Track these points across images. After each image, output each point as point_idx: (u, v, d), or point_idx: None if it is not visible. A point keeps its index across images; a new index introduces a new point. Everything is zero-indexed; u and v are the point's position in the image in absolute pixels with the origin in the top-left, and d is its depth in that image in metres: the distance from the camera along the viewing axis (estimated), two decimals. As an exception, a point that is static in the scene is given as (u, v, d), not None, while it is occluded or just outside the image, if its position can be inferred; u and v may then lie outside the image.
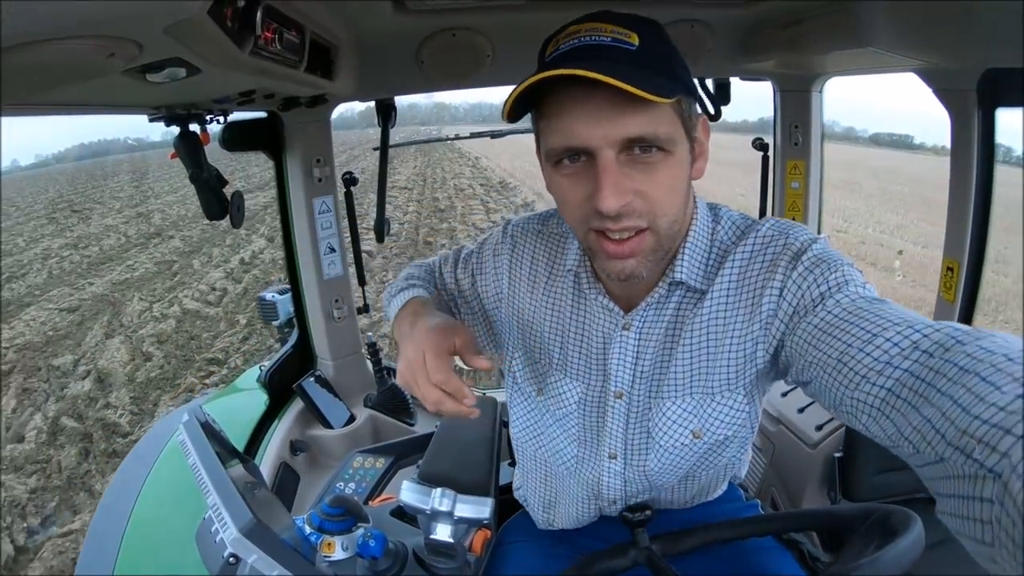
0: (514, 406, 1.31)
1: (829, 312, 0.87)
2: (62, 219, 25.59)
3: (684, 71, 0.94)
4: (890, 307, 0.82)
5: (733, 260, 1.02)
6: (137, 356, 8.77)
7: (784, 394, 2.38)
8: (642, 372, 1.10)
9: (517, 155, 25.87)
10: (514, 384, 1.28)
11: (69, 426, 6.81)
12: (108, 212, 25.59)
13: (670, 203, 0.93)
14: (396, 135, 2.41)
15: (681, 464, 1.15)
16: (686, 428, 1.10)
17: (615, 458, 1.18)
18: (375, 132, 2.43)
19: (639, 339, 1.10)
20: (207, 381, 7.59)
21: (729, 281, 1.02)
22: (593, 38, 0.87)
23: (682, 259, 1.03)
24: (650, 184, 0.89)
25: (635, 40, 0.87)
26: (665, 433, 1.11)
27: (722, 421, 1.09)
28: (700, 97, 0.91)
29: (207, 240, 14.82)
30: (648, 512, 1.14)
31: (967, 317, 2.05)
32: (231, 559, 0.91)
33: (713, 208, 1.10)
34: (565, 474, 1.27)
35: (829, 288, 0.90)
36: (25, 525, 4.98)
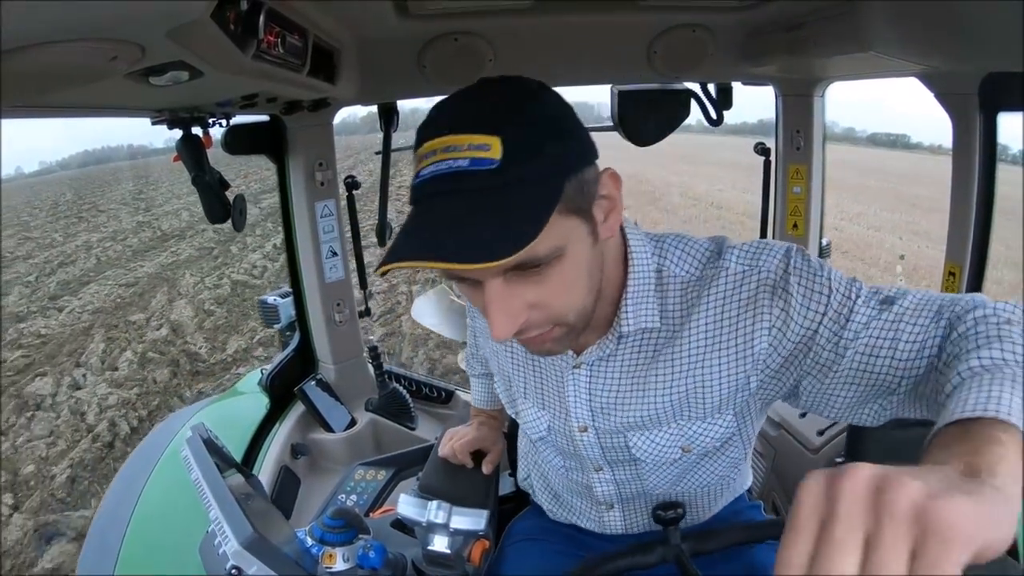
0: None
1: (833, 344, 0.90)
2: (90, 217, 27.11)
3: (568, 142, 0.83)
4: (877, 320, 0.88)
5: (708, 301, 0.99)
6: (200, 313, 10.43)
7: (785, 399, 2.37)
8: (601, 407, 1.10)
9: None
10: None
11: (156, 357, 8.54)
12: (136, 211, 26.84)
13: (570, 300, 0.88)
14: (399, 140, 2.41)
15: (673, 471, 1.17)
16: (675, 446, 1.11)
17: (601, 470, 1.20)
18: (378, 137, 2.43)
19: (590, 377, 1.09)
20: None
21: (707, 323, 0.99)
22: (449, 164, 0.77)
23: (626, 312, 1.01)
24: (544, 294, 0.84)
25: (496, 152, 0.76)
26: (651, 453, 1.12)
27: (711, 437, 1.10)
28: (587, 151, 0.78)
29: (232, 239, 16.24)
30: (680, 510, 1.13)
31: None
32: (233, 571, 0.92)
33: (658, 243, 1.05)
34: (564, 479, 1.30)
35: (820, 313, 0.91)
36: (136, 415, 6.89)
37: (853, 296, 0.91)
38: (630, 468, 1.18)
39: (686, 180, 24.77)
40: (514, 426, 1.83)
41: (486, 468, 1.38)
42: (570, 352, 1.08)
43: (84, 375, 8.20)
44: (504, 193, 0.76)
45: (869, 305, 0.89)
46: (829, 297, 0.91)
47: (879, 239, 15.40)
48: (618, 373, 1.07)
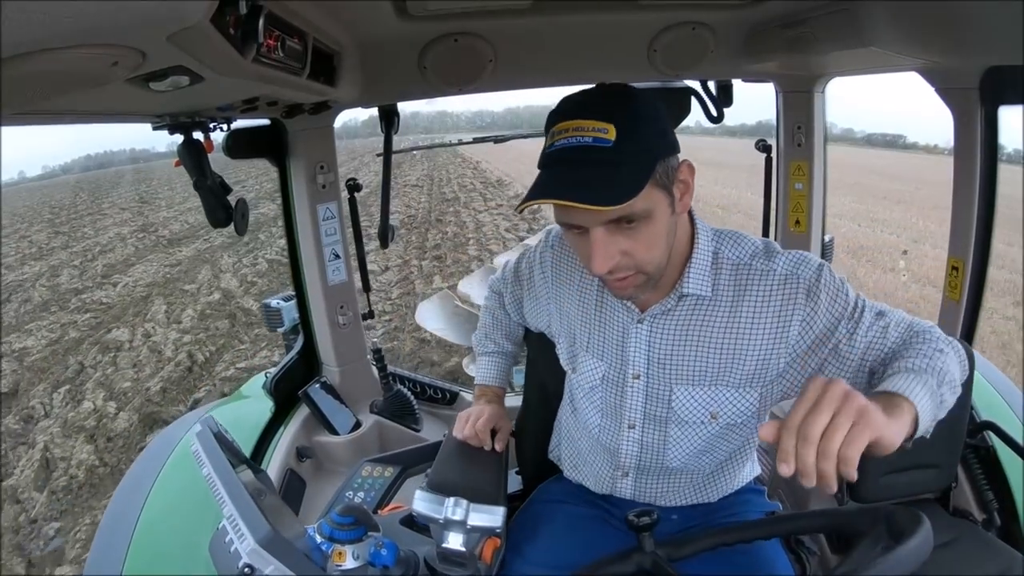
0: (568, 386, 1.59)
1: (849, 336, 1.21)
2: (114, 214, 29.02)
3: (661, 135, 1.13)
4: (875, 326, 1.21)
5: (757, 289, 1.25)
6: (244, 283, 12.32)
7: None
8: (657, 359, 1.32)
9: (514, 159, 28.45)
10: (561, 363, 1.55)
11: (213, 313, 10.50)
12: (158, 208, 28.21)
13: (652, 255, 1.16)
14: (399, 143, 2.42)
15: (697, 437, 1.36)
16: (706, 410, 1.32)
17: (633, 428, 1.40)
18: (378, 140, 2.44)
19: (651, 332, 1.32)
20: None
21: (753, 305, 1.25)
22: (578, 139, 1.07)
23: (688, 276, 1.26)
24: (634, 245, 1.13)
25: (612, 135, 1.06)
26: (687, 410, 1.33)
27: (737, 409, 1.31)
28: (673, 143, 1.17)
29: (265, 223, 17.88)
30: (654, 516, 1.14)
31: (973, 315, 2.05)
32: (246, 569, 0.92)
33: (717, 233, 1.32)
34: (591, 441, 1.49)
35: (838, 319, 1.21)
36: (207, 350, 8.75)
37: (862, 307, 1.22)
38: (659, 430, 1.38)
39: None
40: (520, 425, 1.84)
41: (499, 445, 1.56)
42: (635, 309, 1.33)
43: (153, 327, 10.13)
44: (615, 164, 1.06)
45: (872, 314, 1.22)
46: (847, 305, 1.21)
47: (835, 225, 15.91)
48: (673, 329, 1.31)
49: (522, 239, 12.89)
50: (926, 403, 1.03)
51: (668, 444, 1.38)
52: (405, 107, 2.33)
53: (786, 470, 0.87)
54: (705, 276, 1.27)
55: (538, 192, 1.08)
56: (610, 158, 1.06)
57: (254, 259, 14.30)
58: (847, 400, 0.89)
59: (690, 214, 1.29)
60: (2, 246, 21.67)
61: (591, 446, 1.51)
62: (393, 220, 2.50)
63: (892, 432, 0.93)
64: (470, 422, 1.56)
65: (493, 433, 1.58)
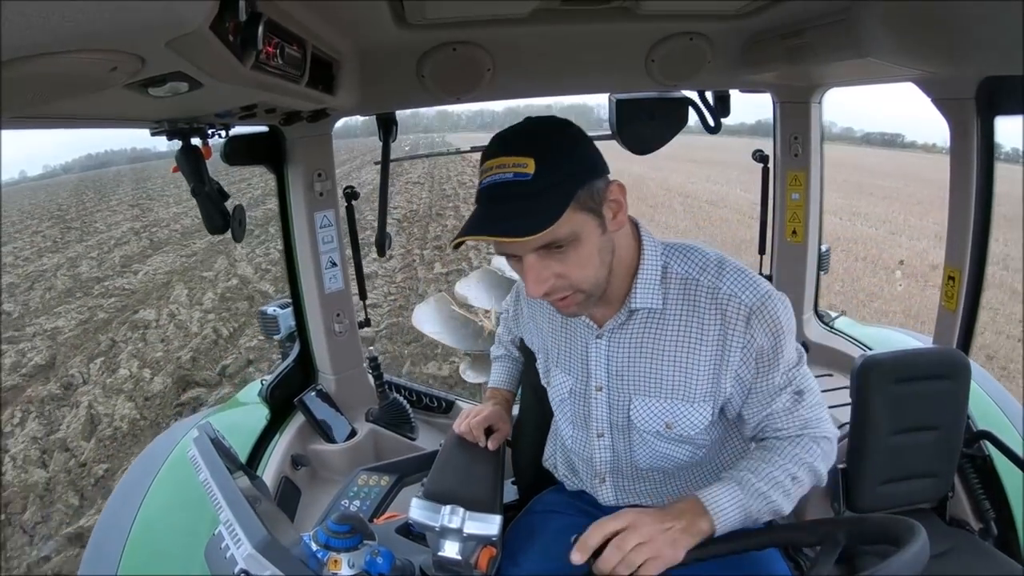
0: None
1: (762, 385, 1.30)
2: (123, 210, 29.31)
3: (580, 162, 1.18)
4: (789, 402, 1.31)
5: (703, 305, 1.29)
6: (259, 270, 13.02)
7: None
8: (616, 371, 1.38)
9: None
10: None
11: (233, 297, 11.15)
12: (167, 204, 28.52)
13: (586, 274, 1.21)
14: (402, 141, 2.42)
15: (658, 445, 1.41)
16: (661, 420, 1.36)
17: (602, 436, 1.46)
18: (376, 142, 2.44)
19: (609, 346, 1.38)
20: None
21: (699, 321, 1.29)
22: (500, 176, 1.14)
23: (635, 291, 1.31)
24: (566, 267, 1.19)
25: (531, 168, 1.12)
26: (643, 420, 1.37)
27: (691, 422, 1.35)
28: (596, 168, 1.22)
29: (274, 217, 18.01)
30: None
31: (969, 325, 2.05)
32: (242, 575, 0.91)
33: (667, 247, 1.36)
34: (570, 449, 1.56)
35: (768, 362, 1.28)
36: (231, 326, 9.45)
37: (789, 372, 1.30)
38: (625, 438, 1.44)
39: (664, 175, 26.06)
40: (515, 435, 1.83)
41: (491, 444, 1.60)
42: (594, 325, 1.38)
43: (177, 308, 10.82)
44: (535, 195, 1.12)
45: (792, 389, 1.30)
46: (777, 350, 1.27)
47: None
48: (628, 343, 1.36)
49: None
50: (732, 517, 1.20)
51: (634, 450, 1.44)
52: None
53: (577, 558, 1.12)
54: (654, 290, 1.31)
55: (467, 229, 1.15)
56: (529, 191, 1.12)
57: (267, 249, 14.82)
58: (647, 539, 1.12)
59: (636, 229, 1.35)
60: (14, 241, 22.40)
61: (572, 456, 1.58)
62: (396, 214, 2.50)
63: (679, 556, 1.14)
64: (468, 418, 1.64)
65: (491, 433, 1.63)
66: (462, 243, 1.17)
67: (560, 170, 1.14)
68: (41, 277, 15.40)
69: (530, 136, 1.19)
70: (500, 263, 8.60)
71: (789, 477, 1.26)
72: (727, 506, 1.20)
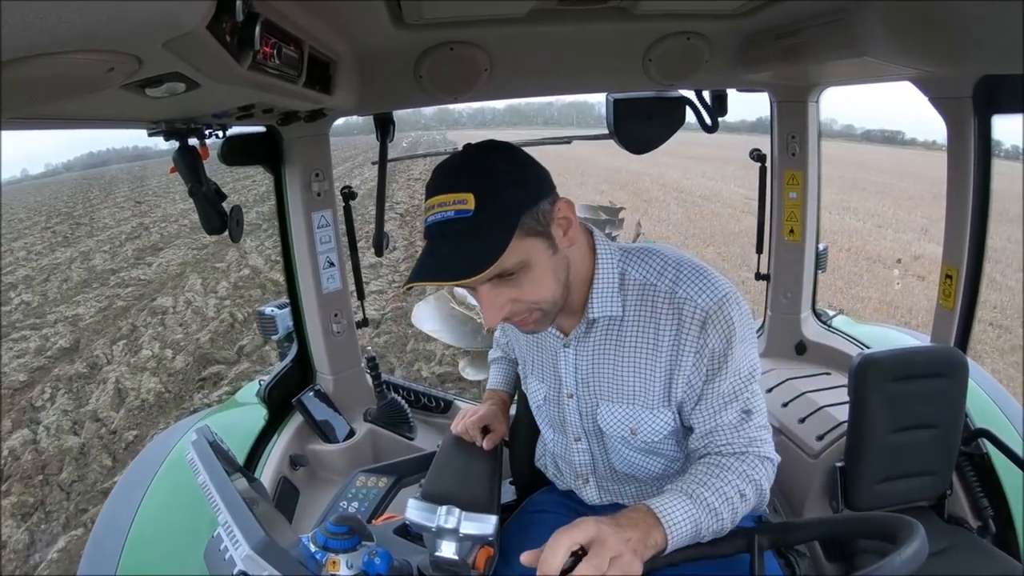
0: None
1: (711, 392, 1.30)
2: (130, 207, 30.20)
3: (520, 188, 1.17)
4: (737, 417, 1.30)
5: (658, 309, 1.30)
6: (269, 261, 13.51)
7: (785, 404, 2.37)
8: (583, 379, 1.42)
9: None
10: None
11: (245, 286, 11.85)
12: (174, 201, 29.13)
13: (541, 295, 1.22)
14: (401, 138, 2.43)
15: (629, 456, 1.44)
16: (626, 426, 1.38)
17: (579, 440, 1.50)
18: (373, 141, 2.43)
19: (576, 355, 1.41)
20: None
21: (655, 325, 1.31)
22: (442, 215, 1.14)
23: (592, 301, 1.33)
24: (519, 292, 1.20)
25: (471, 204, 1.12)
26: (610, 426, 1.40)
27: (653, 428, 1.36)
28: (539, 191, 1.22)
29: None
30: (577, 555, 1.09)
31: (967, 324, 2.06)
32: None
33: (624, 253, 1.37)
34: (553, 452, 1.61)
35: (718, 366, 1.28)
36: (246, 311, 10.00)
37: (738, 384, 1.29)
38: (599, 442, 1.47)
39: (661, 171, 26.71)
40: (512, 435, 1.84)
41: (486, 443, 1.63)
42: (561, 335, 1.41)
43: (193, 296, 11.49)
44: (477, 232, 1.12)
45: (738, 404, 1.29)
46: (726, 356, 1.27)
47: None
48: (592, 351, 1.38)
49: None
50: (684, 531, 1.15)
51: (609, 455, 1.47)
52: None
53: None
54: (611, 298, 1.33)
55: (414, 275, 1.15)
56: (470, 227, 1.12)
57: (275, 242, 15.47)
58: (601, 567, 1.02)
59: (592, 239, 1.36)
60: (25, 237, 23.47)
61: (556, 459, 1.63)
62: (399, 209, 2.50)
63: (636, 569, 1.06)
64: (465, 418, 1.67)
65: (488, 433, 1.66)
66: (412, 288, 1.17)
67: (500, 201, 1.14)
68: (56, 269, 16.20)
69: (469, 170, 1.18)
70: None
71: (738, 493, 1.24)
72: (680, 519, 1.15)
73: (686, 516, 1.16)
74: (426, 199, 1.19)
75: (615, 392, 1.37)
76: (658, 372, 1.31)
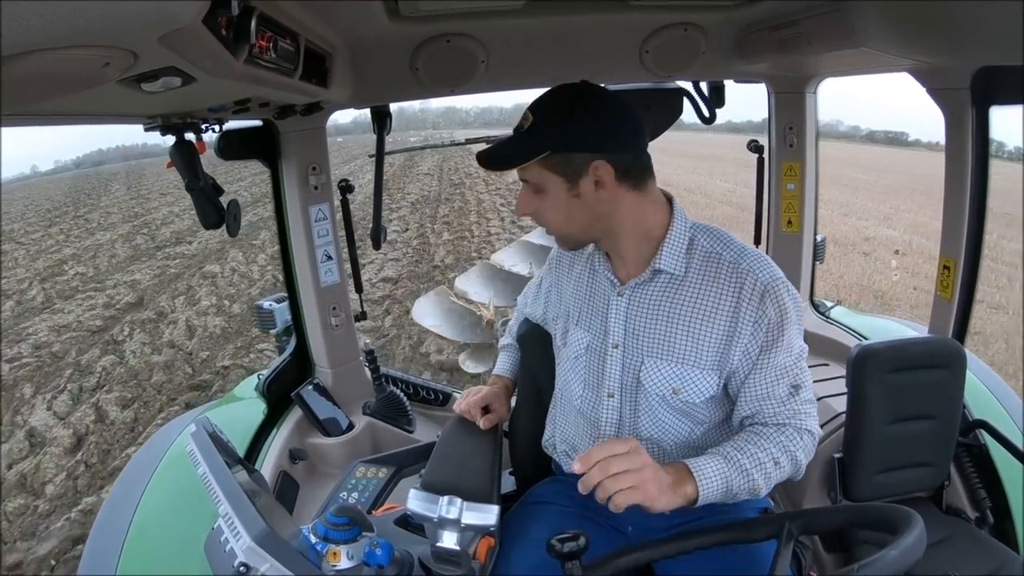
0: (558, 371, 1.69)
1: (765, 363, 1.38)
2: (155, 198, 31.28)
3: (568, 136, 1.35)
4: (782, 382, 1.39)
5: (722, 278, 1.39)
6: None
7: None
8: (633, 330, 1.47)
9: None
10: (555, 350, 1.70)
11: (266, 276, 12.45)
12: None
13: (550, 219, 1.45)
14: (410, 138, 2.43)
15: (662, 410, 1.46)
16: (669, 384, 1.43)
17: (612, 396, 1.51)
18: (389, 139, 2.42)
19: (629, 304, 1.47)
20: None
21: (716, 292, 1.39)
22: (518, 126, 1.41)
23: (661, 254, 1.42)
24: (537, 208, 1.44)
25: (528, 123, 1.38)
26: (652, 382, 1.44)
27: (697, 388, 1.42)
28: (588, 146, 1.38)
29: None
30: (582, 542, 1.10)
31: (964, 315, 2.06)
32: (241, 568, 0.92)
33: (694, 225, 1.48)
34: (576, 414, 1.60)
35: (773, 339, 1.36)
36: (279, 275, 9.39)
37: (788, 362, 1.38)
38: (632, 400, 1.49)
39: (656, 168, 27.25)
40: (513, 425, 1.84)
41: (484, 423, 1.68)
42: (617, 282, 1.49)
43: (236, 265, 13.46)
44: (515, 144, 1.41)
45: (788, 379, 1.38)
46: (781, 334, 1.36)
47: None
48: (648, 303, 1.45)
49: (514, 234, 15.26)
50: (715, 487, 1.29)
51: (639, 415, 1.49)
52: (414, 103, 2.34)
53: (577, 468, 1.20)
54: (678, 257, 1.43)
55: (480, 159, 1.45)
56: (514, 138, 1.42)
57: None
58: (638, 468, 1.20)
59: (671, 205, 1.48)
60: (59, 224, 25.24)
61: (575, 420, 1.61)
62: (410, 198, 2.50)
63: (659, 505, 1.22)
64: (467, 397, 1.75)
65: (486, 447, 1.66)
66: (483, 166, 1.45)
67: (539, 134, 1.37)
68: (100, 248, 18.08)
69: (550, 99, 1.40)
70: (499, 258, 8.61)
71: (772, 460, 1.34)
72: (712, 475, 1.29)
73: (717, 472, 1.29)
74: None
75: (664, 349, 1.43)
76: (714, 336, 1.39)
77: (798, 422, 1.38)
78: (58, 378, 8.00)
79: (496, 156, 1.43)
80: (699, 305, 1.40)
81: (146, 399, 7.16)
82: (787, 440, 1.36)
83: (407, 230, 16.33)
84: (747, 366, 1.39)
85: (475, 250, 13.62)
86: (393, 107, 2.49)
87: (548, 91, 1.41)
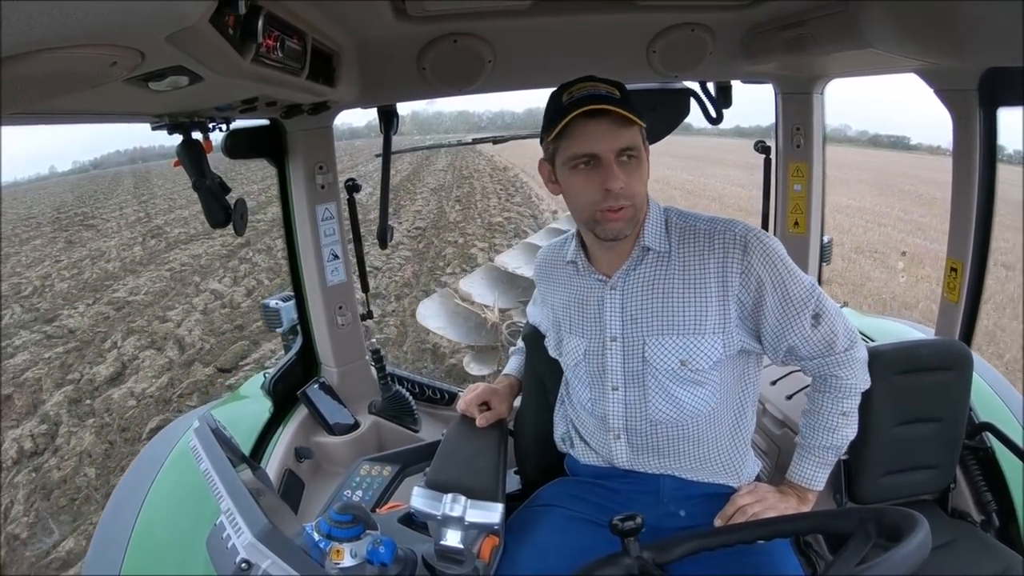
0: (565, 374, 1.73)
1: (773, 303, 1.44)
2: (185, 194, 33.73)
3: (638, 111, 1.40)
4: (797, 313, 1.44)
5: (702, 242, 1.46)
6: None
7: (789, 397, 2.37)
8: (631, 316, 1.51)
9: (517, 153, 35.52)
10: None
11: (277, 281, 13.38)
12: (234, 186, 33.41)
13: (639, 191, 1.43)
14: (423, 140, 2.45)
15: (672, 391, 1.50)
16: (675, 357, 1.47)
17: (617, 389, 1.54)
18: (400, 140, 2.45)
19: (623, 293, 1.52)
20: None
21: (701, 257, 1.46)
22: (594, 90, 1.39)
23: (644, 233, 1.49)
24: (630, 179, 1.40)
25: (617, 93, 1.40)
26: (659, 358, 1.49)
27: (703, 354, 1.47)
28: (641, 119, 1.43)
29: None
30: (638, 520, 1.14)
31: (971, 317, 2.05)
32: (243, 564, 0.92)
33: (665, 207, 1.56)
34: (587, 414, 1.62)
35: (772, 277, 1.42)
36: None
37: (803, 296, 1.44)
38: (639, 386, 1.52)
39: (654, 169, 29.92)
40: (518, 424, 1.84)
41: (481, 421, 1.70)
42: (605, 278, 1.53)
43: (270, 252, 15.18)
44: (624, 105, 1.37)
45: (809, 312, 1.45)
46: (779, 275, 1.43)
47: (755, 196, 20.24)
48: (641, 286, 1.50)
49: (508, 209, 20.45)
50: (820, 476, 1.55)
51: (648, 396, 1.52)
52: (428, 107, 2.42)
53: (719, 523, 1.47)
54: (660, 233, 1.50)
55: (573, 107, 1.37)
56: (620, 102, 1.37)
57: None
58: (762, 498, 1.51)
59: None
60: (105, 213, 28.43)
61: (588, 421, 1.64)
62: (428, 187, 2.49)
63: (791, 510, 1.50)
64: (467, 395, 1.78)
65: (487, 446, 1.66)
66: (564, 125, 1.38)
67: (634, 104, 1.40)
68: (158, 230, 21.41)
69: (603, 79, 1.44)
70: (503, 260, 8.61)
71: (840, 415, 1.52)
72: (811, 473, 1.55)
73: (813, 465, 1.55)
74: (561, 94, 1.44)
75: (665, 324, 1.48)
76: (710, 298, 1.45)
77: (836, 355, 1.49)
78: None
79: (616, 104, 1.39)
80: (688, 275, 1.46)
81: (201, 347, 9.12)
82: (836, 386, 1.51)
83: (428, 204, 21.83)
84: (745, 314, 1.47)
85: (477, 214, 19.39)
86: (407, 111, 2.50)
87: (587, 76, 1.45)
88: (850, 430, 1.53)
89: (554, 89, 1.49)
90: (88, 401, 7.47)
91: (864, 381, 1.53)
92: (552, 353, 1.71)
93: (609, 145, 1.37)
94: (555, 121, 1.40)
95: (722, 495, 1.55)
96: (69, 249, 20.87)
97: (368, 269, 2.60)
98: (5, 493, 5.61)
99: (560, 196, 1.52)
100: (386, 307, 10.41)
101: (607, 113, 1.36)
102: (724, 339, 1.47)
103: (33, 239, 24.45)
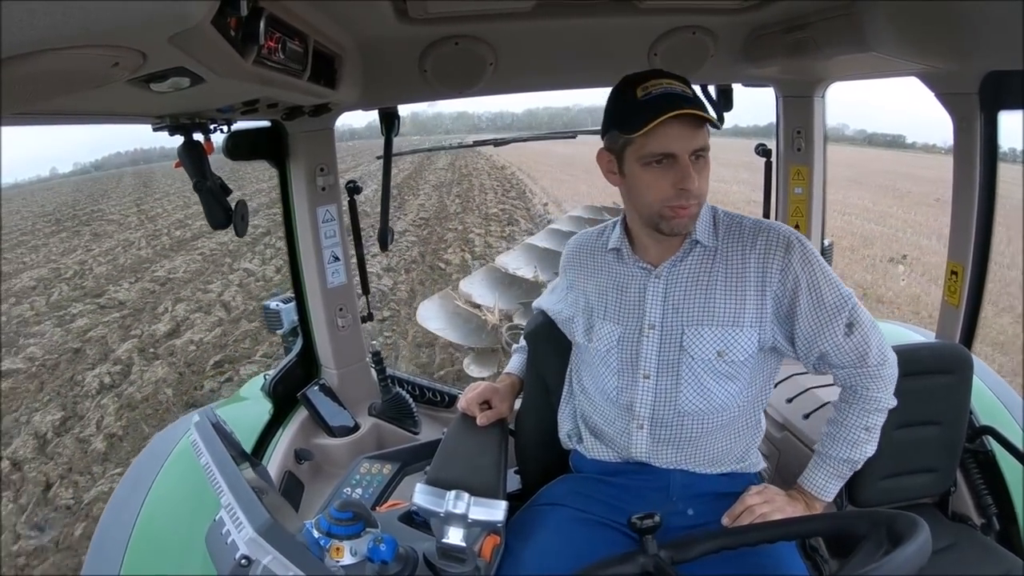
0: (579, 366, 1.73)
1: (807, 305, 1.47)
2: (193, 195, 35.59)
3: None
4: (834, 322, 1.47)
5: (747, 239, 1.51)
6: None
7: (789, 400, 2.37)
8: (672, 305, 1.54)
9: (515, 153, 39.00)
10: (576, 348, 1.75)
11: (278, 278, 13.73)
12: (249, 183, 34.58)
13: (706, 190, 1.46)
14: (424, 142, 2.45)
15: (705, 383, 1.52)
16: (713, 347, 1.50)
17: (648, 377, 1.55)
18: (407, 142, 2.45)
19: (667, 282, 1.55)
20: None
21: (744, 252, 1.50)
22: (670, 88, 1.40)
23: (696, 228, 1.52)
24: (700, 178, 1.43)
25: (690, 92, 1.42)
26: (697, 348, 1.51)
27: (740, 346, 1.49)
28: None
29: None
30: (656, 519, 1.15)
31: (972, 320, 2.05)
32: (243, 561, 0.91)
33: (713, 206, 1.60)
34: (608, 404, 1.63)
35: (809, 280, 1.47)
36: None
37: (837, 304, 1.47)
38: (672, 375, 1.54)
39: None
40: (519, 423, 1.84)
41: (481, 419, 1.71)
42: (651, 267, 1.57)
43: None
44: (698, 105, 1.40)
45: (843, 321, 1.47)
46: (815, 280, 1.47)
47: (738, 190, 19.69)
48: (686, 277, 1.54)
49: (503, 203, 21.96)
50: (832, 486, 1.57)
51: (680, 386, 1.53)
52: (428, 109, 2.44)
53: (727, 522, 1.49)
54: (709, 229, 1.54)
55: (660, 112, 1.36)
56: (694, 101, 1.41)
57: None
58: (771, 499, 1.52)
59: None
60: (117, 209, 29.00)
61: (608, 411, 1.64)
62: (434, 182, 2.50)
63: (799, 513, 1.52)
64: (467, 393, 1.79)
65: (487, 445, 1.66)
66: (649, 128, 1.37)
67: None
68: (180, 223, 22.47)
69: (679, 76, 1.46)
70: (503, 261, 8.61)
71: (863, 429, 1.53)
72: (823, 483, 1.56)
73: (827, 476, 1.56)
74: (632, 89, 1.44)
75: (706, 315, 1.51)
76: (748, 291, 1.49)
77: (866, 367, 1.51)
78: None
79: (696, 107, 1.41)
80: (730, 269, 1.50)
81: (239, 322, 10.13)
82: (864, 400, 1.53)
83: (431, 199, 23.36)
84: (781, 313, 1.50)
85: (475, 207, 20.89)
86: (407, 112, 2.50)
87: (655, 70, 1.48)
88: (870, 447, 1.54)
89: (620, 81, 1.52)
90: (152, 349, 9.10)
91: (891, 400, 1.55)
92: (580, 339, 1.70)
93: (686, 146, 1.41)
94: (636, 118, 1.40)
95: (731, 494, 1.55)
96: (97, 240, 22.10)
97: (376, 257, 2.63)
98: (94, 412, 7.18)
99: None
100: (397, 278, 11.83)
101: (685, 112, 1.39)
102: (760, 333, 1.50)
103: (57, 232, 25.82)
